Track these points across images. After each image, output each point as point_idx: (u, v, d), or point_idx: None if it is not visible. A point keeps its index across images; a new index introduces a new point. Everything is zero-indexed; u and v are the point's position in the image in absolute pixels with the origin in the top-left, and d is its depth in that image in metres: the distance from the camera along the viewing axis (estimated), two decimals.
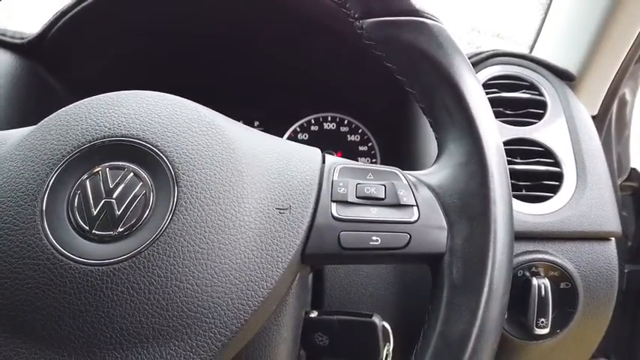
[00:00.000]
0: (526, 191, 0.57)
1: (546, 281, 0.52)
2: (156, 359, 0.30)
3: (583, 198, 0.56)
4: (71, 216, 0.32)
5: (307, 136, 0.78)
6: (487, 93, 0.62)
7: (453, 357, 0.31)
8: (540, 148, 0.59)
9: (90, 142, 0.33)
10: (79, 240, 0.31)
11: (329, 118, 0.77)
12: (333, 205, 0.34)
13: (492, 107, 0.38)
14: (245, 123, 0.40)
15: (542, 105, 0.62)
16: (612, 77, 0.64)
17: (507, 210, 0.34)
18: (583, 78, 0.64)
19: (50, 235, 0.31)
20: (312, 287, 0.52)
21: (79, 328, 0.30)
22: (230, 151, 0.35)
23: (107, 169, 0.33)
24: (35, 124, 0.63)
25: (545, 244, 0.54)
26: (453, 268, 0.33)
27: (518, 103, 0.62)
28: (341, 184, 0.35)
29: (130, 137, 0.34)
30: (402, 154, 0.71)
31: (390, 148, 0.76)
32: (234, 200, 0.33)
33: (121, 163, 0.33)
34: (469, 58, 0.42)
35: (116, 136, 0.34)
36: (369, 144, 0.77)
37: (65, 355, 0.30)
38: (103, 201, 0.32)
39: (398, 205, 0.35)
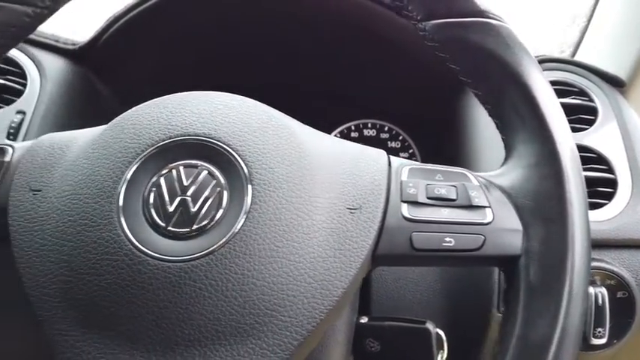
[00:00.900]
0: None
1: (603, 290, 0.50)
2: (233, 357, 0.30)
3: (639, 205, 0.54)
4: (147, 213, 0.32)
5: None
6: None
7: None
8: (593, 155, 0.58)
9: (163, 140, 0.34)
10: (155, 236, 0.32)
11: (369, 125, 0.77)
12: (404, 205, 0.34)
13: None
14: None
15: (593, 111, 0.61)
16: None
17: (584, 212, 0.33)
18: (634, 84, 0.63)
19: (128, 232, 0.31)
20: (359, 292, 0.52)
21: (157, 324, 0.30)
22: (300, 150, 0.35)
23: (181, 167, 0.33)
24: (82, 128, 0.64)
25: (601, 252, 0.53)
26: (530, 270, 0.32)
27: (568, 109, 0.61)
28: (410, 184, 0.35)
29: (202, 136, 0.34)
30: (444, 159, 0.71)
31: (431, 154, 0.76)
32: (306, 199, 0.33)
33: (194, 161, 0.33)
34: None
35: (189, 135, 0.34)
36: (410, 150, 0.77)
37: (144, 351, 0.30)
38: (179, 198, 0.32)
39: (470, 207, 0.34)
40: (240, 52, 0.67)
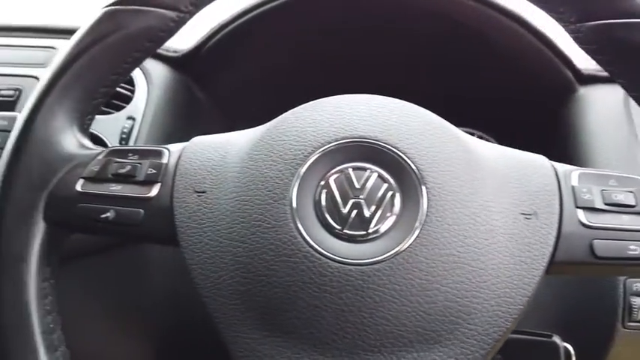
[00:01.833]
0: None
1: None
2: None
3: None
4: (320, 215, 0.32)
5: None
6: None
7: None
8: None
9: (329, 143, 0.33)
10: (331, 239, 0.31)
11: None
12: (580, 211, 0.33)
13: None
14: None
15: None
16: None
17: None
18: None
19: (305, 234, 0.31)
20: None
21: (341, 328, 0.29)
22: (467, 154, 0.34)
23: (350, 169, 0.33)
24: (184, 134, 0.65)
25: None
26: None
27: None
28: (584, 190, 0.34)
29: (369, 139, 0.33)
30: None
31: None
32: (481, 204, 0.32)
33: (363, 164, 0.33)
34: None
35: (354, 138, 0.34)
36: None
37: (328, 355, 0.29)
38: (352, 201, 0.32)
39: None
40: (341, 56, 0.67)
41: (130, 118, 0.60)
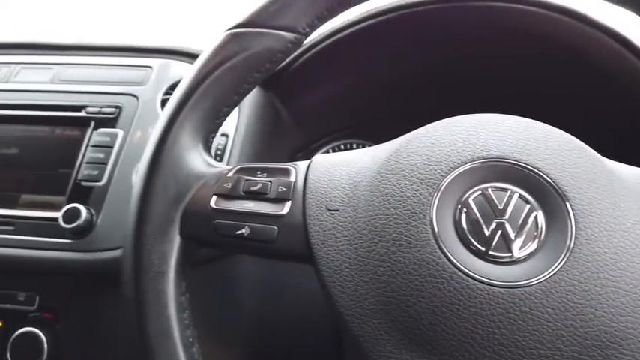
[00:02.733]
0: None
1: None
2: None
3: None
4: (461, 235, 0.32)
5: None
6: None
7: None
8: None
9: (465, 163, 0.34)
10: (475, 260, 0.31)
11: None
12: None
13: None
14: None
15: None
16: None
17: None
18: None
19: (448, 254, 0.31)
20: None
21: (495, 351, 0.29)
22: (610, 175, 0.33)
23: (490, 189, 0.33)
24: (269, 150, 0.65)
25: None
26: None
27: None
28: None
29: (508, 159, 0.33)
30: None
31: None
32: (629, 226, 0.31)
33: (503, 184, 0.33)
34: None
35: (493, 158, 0.34)
36: None
37: None
38: (495, 222, 0.32)
39: None
40: (427, 76, 0.67)
41: (224, 135, 0.62)
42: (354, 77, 0.69)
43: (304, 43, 0.66)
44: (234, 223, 0.36)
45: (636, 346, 0.29)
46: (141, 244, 0.36)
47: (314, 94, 0.70)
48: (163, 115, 0.40)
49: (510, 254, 0.31)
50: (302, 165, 0.39)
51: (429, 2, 0.58)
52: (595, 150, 0.35)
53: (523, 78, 0.65)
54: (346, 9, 0.45)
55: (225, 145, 0.61)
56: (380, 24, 0.60)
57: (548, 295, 0.29)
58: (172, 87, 0.63)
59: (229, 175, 0.39)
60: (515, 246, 0.31)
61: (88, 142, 0.59)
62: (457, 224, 0.32)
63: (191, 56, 0.66)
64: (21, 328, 0.54)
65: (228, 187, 0.38)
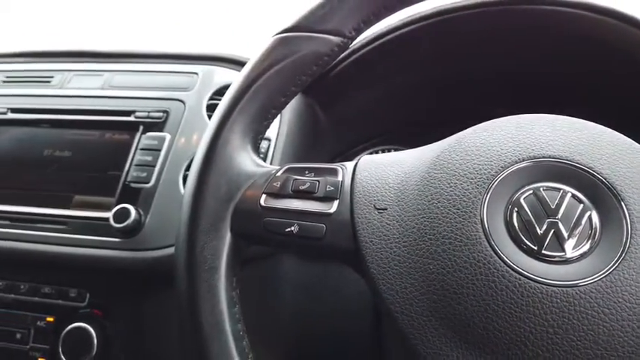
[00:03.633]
0: None
1: None
2: None
3: None
4: (513, 234, 0.32)
5: None
6: None
7: None
8: None
9: (517, 161, 0.34)
10: (527, 259, 0.31)
11: None
12: None
13: None
14: None
15: None
16: None
17: None
18: None
19: (500, 253, 0.31)
20: None
21: (549, 350, 0.29)
22: None
23: (542, 189, 0.33)
24: (308, 153, 0.66)
25: None
26: None
27: None
28: None
29: (561, 159, 0.33)
30: None
31: None
32: None
33: (555, 184, 0.33)
34: None
35: (545, 157, 0.33)
36: None
37: None
38: (547, 221, 0.31)
39: None
40: (468, 81, 0.67)
41: (266, 139, 0.63)
42: (394, 83, 0.69)
43: (348, 50, 0.68)
44: (283, 221, 0.37)
45: None
46: (194, 240, 0.37)
47: (353, 99, 0.71)
48: (215, 117, 0.41)
49: (563, 253, 0.31)
50: (349, 165, 0.40)
51: (473, 6, 0.58)
52: None
53: (572, 82, 0.64)
54: (392, 13, 0.45)
55: (268, 148, 0.62)
56: (422, 29, 0.60)
57: (603, 294, 0.29)
58: (217, 92, 0.65)
59: (278, 174, 0.40)
60: (569, 245, 0.31)
61: (137, 145, 0.61)
62: (508, 223, 0.32)
63: (234, 62, 0.68)
64: (72, 323, 0.56)
65: (277, 185, 0.39)
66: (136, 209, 0.56)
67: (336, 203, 0.37)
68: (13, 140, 0.66)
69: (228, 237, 0.38)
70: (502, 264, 0.31)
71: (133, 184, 0.59)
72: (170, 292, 0.57)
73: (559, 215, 0.31)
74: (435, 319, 0.31)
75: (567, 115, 0.37)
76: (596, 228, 0.31)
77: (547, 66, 0.63)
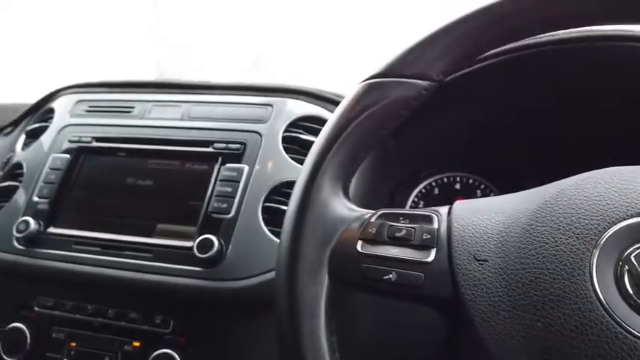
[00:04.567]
0: None
1: None
2: None
3: None
4: (624, 293, 0.31)
5: None
6: None
7: None
8: None
9: (625, 218, 0.33)
10: None
11: None
12: None
13: None
14: None
15: None
16: None
17: None
18: None
19: (613, 313, 0.31)
20: None
21: None
22: None
23: None
24: (378, 183, 0.66)
25: None
26: None
27: None
28: None
29: None
30: None
31: None
32: None
33: None
34: None
35: None
36: None
37: None
38: None
39: None
40: (546, 114, 0.66)
41: None
42: (469, 113, 0.69)
43: None
44: (381, 268, 0.38)
45: None
46: (294, 285, 0.38)
47: (427, 129, 0.71)
48: (308, 163, 0.43)
49: None
50: (443, 211, 0.40)
51: (570, 40, 0.57)
52: None
53: None
54: (479, 55, 0.46)
55: None
56: (505, 62, 0.60)
57: None
58: (291, 124, 0.67)
59: (372, 220, 0.40)
60: None
61: (217, 176, 0.63)
62: (619, 281, 0.32)
63: (306, 94, 0.70)
64: (157, 349, 0.58)
65: (373, 232, 0.39)
66: (218, 240, 0.58)
67: (433, 252, 0.37)
68: (97, 168, 0.69)
69: (326, 282, 0.39)
70: (614, 324, 0.30)
71: (214, 215, 0.61)
72: (251, 321, 0.60)
73: None
74: None
75: None
76: None
77: None
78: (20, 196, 0.69)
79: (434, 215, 0.40)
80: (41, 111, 0.80)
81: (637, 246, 0.32)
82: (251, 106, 0.69)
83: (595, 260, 0.32)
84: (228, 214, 0.60)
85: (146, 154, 0.68)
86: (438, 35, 0.44)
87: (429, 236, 0.38)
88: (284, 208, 0.60)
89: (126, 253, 0.61)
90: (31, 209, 0.67)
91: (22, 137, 0.78)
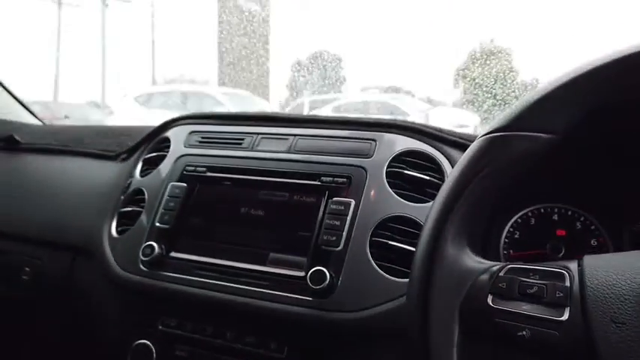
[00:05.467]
0: None
1: None
2: None
3: None
4: None
5: None
6: None
7: None
8: None
9: None
10: None
11: None
12: None
13: None
14: None
15: None
16: None
17: None
18: None
19: None
20: None
21: None
22: None
23: None
24: None
25: None
26: None
27: None
28: None
29: None
30: None
31: None
32: None
33: None
34: None
35: None
36: None
37: None
38: None
39: None
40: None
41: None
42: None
43: None
44: (514, 324, 0.39)
45: None
46: (428, 338, 0.41)
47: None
48: (432, 216, 0.45)
49: None
50: (573, 267, 0.41)
51: None
52: None
53: None
54: (618, 104, 0.45)
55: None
56: None
57: None
58: (395, 159, 0.69)
59: (502, 274, 0.42)
60: None
61: (325, 209, 0.67)
62: None
63: (409, 129, 0.72)
64: None
65: (503, 286, 0.41)
66: (329, 271, 0.61)
67: (567, 311, 0.38)
68: (212, 197, 0.75)
69: (456, 334, 0.41)
70: None
71: (323, 247, 0.64)
72: (361, 351, 0.62)
73: None
74: None
75: None
76: None
77: None
78: (143, 221, 0.76)
79: (565, 273, 0.41)
80: (156, 140, 0.87)
81: None
82: (355, 140, 0.72)
83: None
84: (337, 247, 0.64)
85: (256, 184, 0.73)
86: (569, 84, 0.44)
87: (561, 294, 0.39)
88: (392, 243, 0.63)
89: (242, 279, 0.66)
90: (154, 234, 0.73)
91: (140, 164, 0.85)
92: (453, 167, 0.68)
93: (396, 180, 0.68)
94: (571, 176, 0.75)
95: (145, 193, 0.78)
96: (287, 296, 0.63)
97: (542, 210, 0.80)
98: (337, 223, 0.65)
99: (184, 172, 0.78)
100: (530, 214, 0.81)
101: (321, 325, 0.61)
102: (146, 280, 0.71)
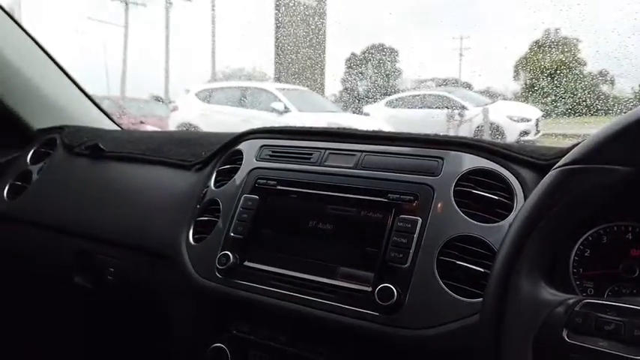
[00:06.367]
0: None
1: None
2: None
3: None
4: None
5: None
6: None
7: None
8: None
9: None
10: None
11: None
12: None
13: None
14: None
15: None
16: None
17: None
18: None
19: None
20: None
21: None
22: None
23: None
24: None
25: None
26: None
27: None
28: None
29: None
30: None
31: None
32: None
33: None
34: None
35: None
36: None
37: None
38: None
39: None
40: None
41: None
42: None
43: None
44: None
45: None
46: None
47: None
48: (505, 249, 0.46)
49: None
50: None
51: None
52: None
53: None
54: None
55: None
56: None
57: None
58: (462, 178, 0.70)
59: (577, 308, 0.43)
60: None
61: (392, 226, 0.69)
62: None
63: (477, 148, 0.72)
64: None
65: (579, 321, 0.42)
66: (396, 288, 0.63)
67: None
68: (282, 210, 0.79)
69: None
70: None
71: (390, 263, 0.66)
72: None
73: None
74: None
75: None
76: None
77: None
78: (218, 231, 0.80)
79: None
80: (229, 152, 0.92)
81: None
82: (422, 158, 0.73)
83: None
84: (405, 264, 0.66)
85: (324, 199, 0.76)
86: None
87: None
88: (459, 263, 0.64)
89: (312, 291, 0.69)
90: (229, 244, 0.78)
91: (214, 175, 0.90)
92: (522, 187, 0.68)
93: (464, 199, 0.68)
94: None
95: (220, 203, 0.83)
96: (354, 310, 0.66)
97: (615, 228, 0.78)
98: (404, 240, 0.67)
99: (256, 185, 0.82)
100: (602, 231, 0.79)
101: (386, 340, 0.63)
102: (222, 288, 0.76)
